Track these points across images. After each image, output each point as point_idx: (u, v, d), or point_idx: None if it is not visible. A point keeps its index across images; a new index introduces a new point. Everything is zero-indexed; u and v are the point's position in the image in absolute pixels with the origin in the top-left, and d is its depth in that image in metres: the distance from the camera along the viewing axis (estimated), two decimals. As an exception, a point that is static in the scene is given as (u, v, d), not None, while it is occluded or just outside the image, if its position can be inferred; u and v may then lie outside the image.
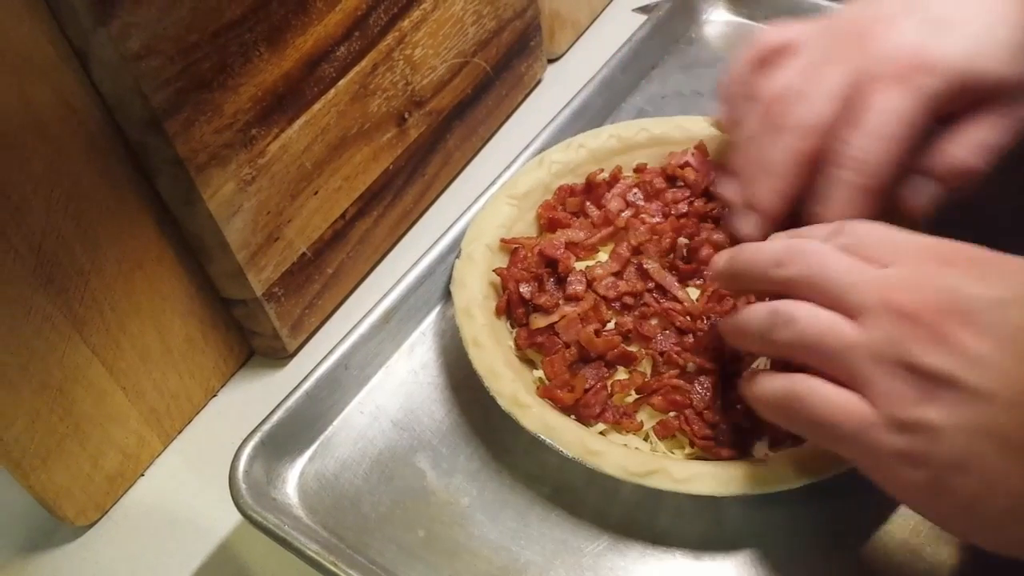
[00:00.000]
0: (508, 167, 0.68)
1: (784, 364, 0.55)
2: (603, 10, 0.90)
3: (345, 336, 0.59)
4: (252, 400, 0.66)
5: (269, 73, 0.59)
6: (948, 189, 0.54)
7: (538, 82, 0.86)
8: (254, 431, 0.55)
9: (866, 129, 0.51)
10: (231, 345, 0.67)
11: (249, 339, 0.68)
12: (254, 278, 0.62)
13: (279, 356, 0.68)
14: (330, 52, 0.63)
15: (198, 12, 0.54)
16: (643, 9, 0.89)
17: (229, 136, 0.58)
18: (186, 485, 0.62)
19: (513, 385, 0.55)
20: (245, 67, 0.58)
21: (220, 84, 0.57)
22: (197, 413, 0.66)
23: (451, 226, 0.65)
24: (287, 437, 0.56)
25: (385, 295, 0.61)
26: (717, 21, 0.82)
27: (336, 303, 0.70)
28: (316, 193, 0.65)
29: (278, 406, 0.56)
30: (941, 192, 0.54)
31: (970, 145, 0.52)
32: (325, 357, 0.58)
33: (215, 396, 0.67)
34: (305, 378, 0.57)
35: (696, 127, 0.68)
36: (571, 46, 0.88)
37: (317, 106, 0.63)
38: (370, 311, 0.60)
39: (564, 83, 0.83)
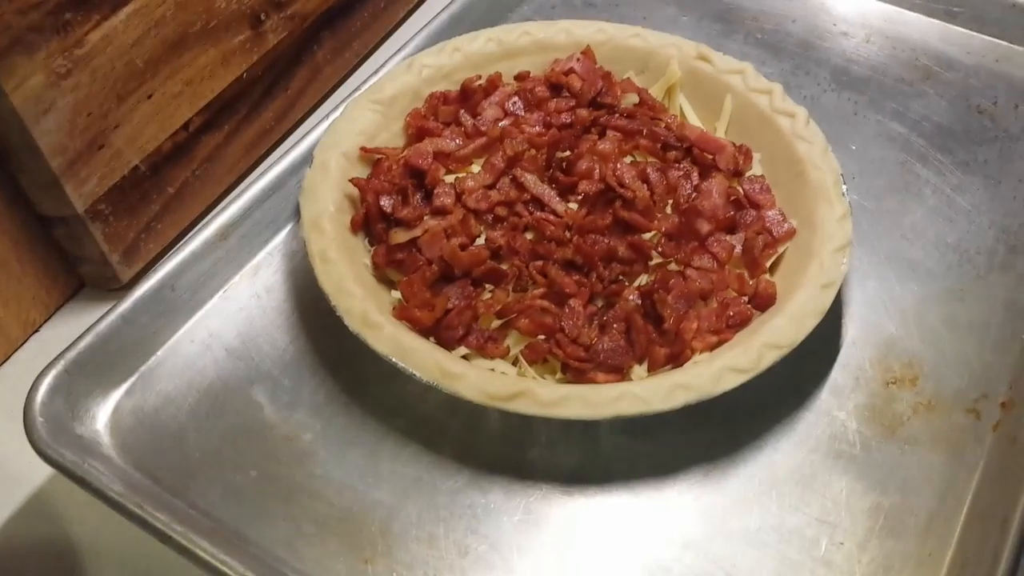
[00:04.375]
0: (376, 72, 0.61)
1: (665, 280, 0.50)
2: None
3: (172, 253, 0.51)
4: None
5: (86, -52, 0.51)
6: None
7: (423, -2, 0.78)
8: (57, 358, 0.47)
9: None
10: (55, 274, 0.58)
11: (76, 266, 0.59)
12: (73, 191, 0.54)
13: (111, 287, 0.59)
14: (164, -69, 0.55)
15: None
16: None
17: (36, 18, 0.49)
18: (-2, 429, 0.54)
19: (363, 304, 0.48)
20: (55, -61, 0.50)
21: (23, -44, 0.48)
22: (15, 350, 0.58)
23: (307, 133, 0.57)
24: (99, 367, 0.48)
25: (223, 208, 0.53)
26: (614, -72, 0.76)
27: (181, 229, 0.62)
28: (150, 97, 0.57)
29: (87, 331, 0.48)
30: None
31: None
32: (146, 276, 0.50)
33: (37, 331, 0.59)
34: (121, 299, 0.49)
35: (584, 32, 0.62)
36: (462, -39, 0.81)
37: (149, -7, 0.55)
38: (203, 226, 0.52)
39: (452, 1, 0.76)
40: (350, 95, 0.60)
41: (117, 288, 0.59)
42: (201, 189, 0.63)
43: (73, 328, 0.58)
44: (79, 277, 0.60)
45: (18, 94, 0.49)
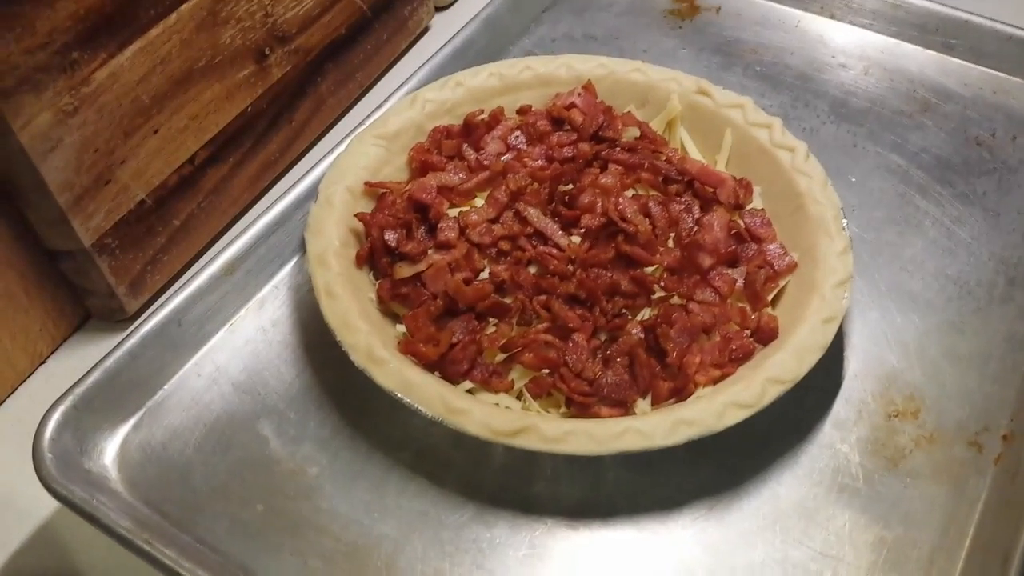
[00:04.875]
0: (379, 107, 0.62)
1: (667, 314, 0.50)
2: (498, -44, 0.84)
3: (179, 289, 0.52)
4: (87, 367, 0.58)
5: (93, -12, 0.52)
6: None
7: (425, 30, 0.79)
8: (65, 394, 0.47)
9: None
10: (62, 306, 0.59)
11: (83, 299, 0.59)
12: (80, 226, 0.55)
13: (117, 319, 0.60)
14: (171, -30, 0.56)
15: (3, -87, 0.47)
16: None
17: (44, 58, 0.50)
18: (4, 462, 0.54)
19: (369, 339, 0.49)
20: (62, -21, 0.50)
21: (31, -4, 0.49)
22: (22, 382, 0.58)
23: (311, 168, 0.58)
24: (106, 402, 0.49)
25: (230, 243, 0.54)
26: (614, -38, 0.77)
27: (185, 260, 0.62)
28: (156, 132, 0.57)
29: (95, 366, 0.49)
30: None
31: None
32: (153, 312, 0.51)
33: (44, 363, 0.59)
34: (128, 335, 0.50)
35: (585, 66, 0.62)
36: (462, -7, 0.82)
37: (155, 31, 0.56)
38: (210, 261, 0.53)
39: (453, 33, 0.77)
40: (354, 128, 0.60)
41: (123, 319, 0.60)
42: (206, 221, 0.63)
43: (80, 360, 0.59)
44: (85, 309, 0.60)
45: (26, 132, 0.50)
